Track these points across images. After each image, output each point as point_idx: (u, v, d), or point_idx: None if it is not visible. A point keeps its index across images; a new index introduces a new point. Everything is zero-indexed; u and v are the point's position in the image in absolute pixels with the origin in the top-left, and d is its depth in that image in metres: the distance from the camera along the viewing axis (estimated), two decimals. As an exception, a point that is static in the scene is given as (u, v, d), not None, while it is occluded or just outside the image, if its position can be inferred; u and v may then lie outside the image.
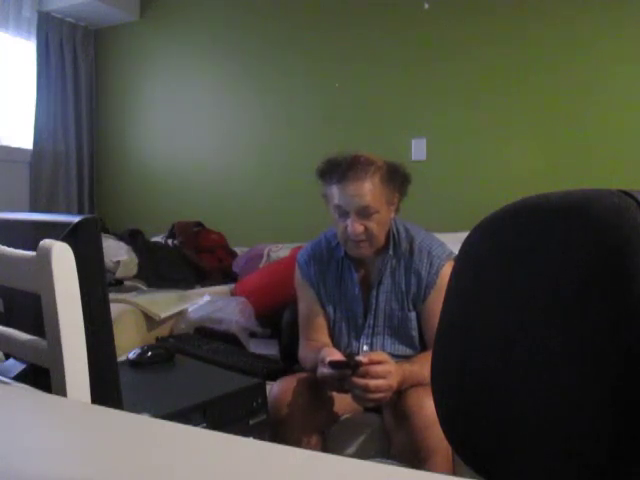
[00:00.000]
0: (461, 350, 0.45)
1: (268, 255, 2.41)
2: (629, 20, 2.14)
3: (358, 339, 1.51)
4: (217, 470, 0.39)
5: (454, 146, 2.45)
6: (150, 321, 1.97)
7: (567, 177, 2.17)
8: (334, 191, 1.43)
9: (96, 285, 0.68)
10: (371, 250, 1.46)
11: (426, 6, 2.44)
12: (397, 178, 1.45)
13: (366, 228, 1.41)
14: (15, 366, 0.76)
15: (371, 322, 1.50)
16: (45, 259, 0.62)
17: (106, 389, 0.68)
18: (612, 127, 2.17)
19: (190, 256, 2.51)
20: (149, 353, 1.35)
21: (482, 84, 2.39)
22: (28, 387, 0.67)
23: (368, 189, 1.39)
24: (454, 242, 1.26)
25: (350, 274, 1.52)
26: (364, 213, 1.40)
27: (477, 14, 2.39)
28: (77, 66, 3.32)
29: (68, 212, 3.20)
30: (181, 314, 2.02)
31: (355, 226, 1.40)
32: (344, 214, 1.42)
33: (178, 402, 1.08)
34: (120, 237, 2.48)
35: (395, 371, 1.26)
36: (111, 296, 1.77)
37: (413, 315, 1.47)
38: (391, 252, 1.49)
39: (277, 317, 1.99)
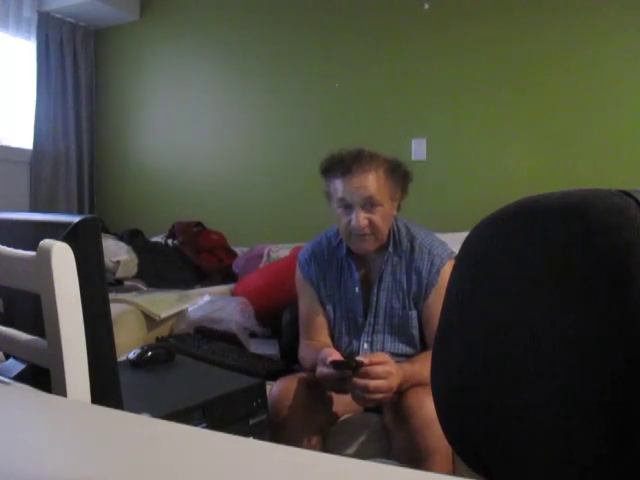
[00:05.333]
0: (461, 350, 0.45)
1: (268, 255, 2.41)
2: (631, 21, 2.14)
3: (358, 338, 1.51)
4: (217, 470, 0.39)
5: (454, 146, 2.45)
6: (150, 321, 1.97)
7: (567, 177, 2.17)
8: (338, 185, 1.43)
9: (96, 285, 0.68)
10: (375, 244, 1.46)
11: (426, 6, 2.44)
12: (399, 174, 1.47)
13: (370, 221, 1.41)
14: (15, 366, 0.76)
15: (371, 321, 1.50)
16: (45, 259, 0.62)
17: (106, 389, 0.68)
18: (612, 127, 2.17)
19: (190, 256, 2.51)
20: (149, 353, 1.35)
21: (482, 84, 2.39)
22: (28, 387, 0.67)
23: (373, 180, 1.40)
24: (454, 242, 1.26)
25: (350, 273, 1.53)
26: (369, 205, 1.40)
27: (477, 14, 2.39)
28: (77, 66, 3.32)
29: (68, 212, 3.20)
30: (181, 314, 2.02)
31: (360, 219, 1.40)
32: (348, 207, 1.42)
33: (178, 402, 1.08)
34: (120, 237, 2.48)
35: (395, 372, 1.26)
36: (111, 296, 1.78)
37: (414, 314, 1.47)
38: (391, 249, 1.49)
39: (277, 317, 1.99)
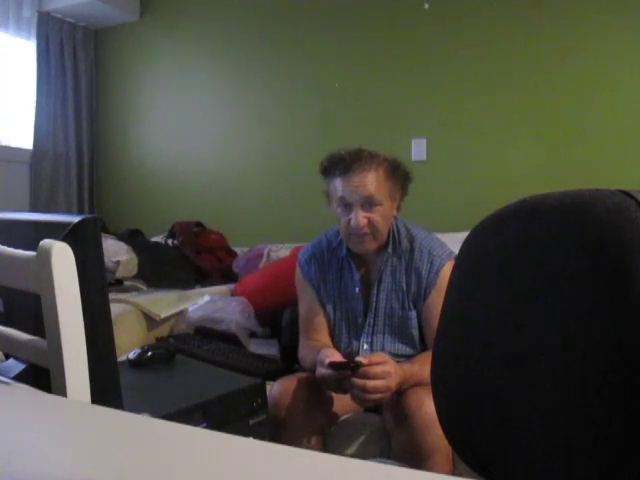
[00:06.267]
0: (461, 350, 0.45)
1: (268, 255, 2.41)
2: (631, 20, 2.14)
3: (358, 338, 1.51)
4: (217, 470, 0.39)
5: (454, 146, 2.45)
6: (150, 321, 1.97)
7: (567, 177, 2.17)
8: (337, 184, 1.43)
9: (96, 285, 0.68)
10: (374, 244, 1.46)
11: (426, 6, 2.44)
12: (399, 174, 1.47)
13: (370, 221, 1.41)
14: (15, 366, 0.76)
15: (371, 321, 1.50)
16: (45, 259, 0.62)
17: (106, 389, 0.68)
18: (612, 127, 2.17)
19: (190, 256, 2.51)
20: (149, 353, 1.35)
21: (482, 84, 2.39)
22: (28, 387, 0.67)
23: (373, 179, 1.40)
24: (454, 242, 1.26)
25: (350, 273, 1.53)
26: (368, 204, 1.40)
27: (477, 14, 2.39)
28: (77, 66, 3.32)
29: (68, 212, 3.20)
30: (181, 314, 2.02)
31: (359, 218, 1.40)
32: (348, 207, 1.42)
33: (178, 402, 1.08)
34: (120, 237, 2.48)
35: (395, 372, 1.26)
36: (111, 296, 1.78)
37: (413, 314, 1.47)
38: (390, 250, 1.49)
39: (277, 317, 1.99)
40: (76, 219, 0.67)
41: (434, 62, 2.49)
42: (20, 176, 3.11)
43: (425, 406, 1.23)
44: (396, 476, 0.38)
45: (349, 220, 1.42)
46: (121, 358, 1.34)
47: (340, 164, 1.43)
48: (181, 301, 2.09)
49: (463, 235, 0.48)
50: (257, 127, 2.94)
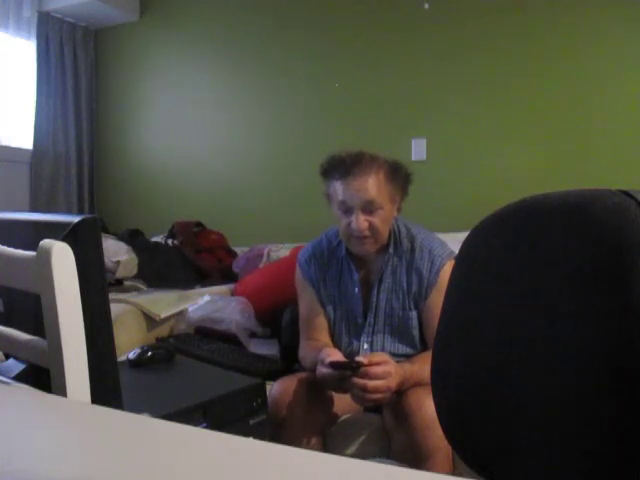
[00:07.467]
0: (461, 350, 0.45)
1: (268, 255, 2.41)
2: (631, 19, 2.14)
3: (358, 338, 1.51)
4: (217, 470, 0.39)
5: (454, 146, 2.45)
6: (150, 321, 1.97)
7: (567, 177, 2.17)
8: (338, 187, 1.43)
9: (96, 285, 0.68)
10: (375, 247, 1.46)
11: (426, 6, 2.44)
12: (400, 176, 1.46)
13: (370, 224, 1.41)
14: (15, 366, 0.76)
15: (371, 321, 1.50)
16: (45, 259, 0.62)
17: (106, 389, 0.68)
18: (612, 127, 2.17)
19: (190, 256, 2.51)
20: (149, 353, 1.35)
21: (482, 84, 2.39)
22: (28, 387, 0.67)
23: (373, 183, 1.39)
24: (454, 242, 1.26)
25: (350, 273, 1.53)
26: (369, 208, 1.40)
27: (477, 14, 2.39)
28: (77, 66, 3.32)
29: (68, 212, 3.20)
30: (181, 314, 2.02)
31: (360, 221, 1.40)
32: (348, 210, 1.42)
33: (178, 402, 1.08)
34: (120, 237, 2.48)
35: (395, 372, 1.26)
36: (111, 296, 1.78)
37: (414, 314, 1.47)
38: (391, 250, 1.49)
39: (277, 317, 1.99)
40: (76, 219, 0.67)
41: (434, 62, 2.49)
42: (20, 176, 3.11)
43: (425, 406, 1.23)
44: (396, 476, 0.38)
45: (349, 222, 1.42)
46: (121, 358, 1.34)
47: (340, 167, 1.42)
48: (181, 301, 2.09)
49: (463, 235, 0.48)
50: (257, 127, 2.94)
